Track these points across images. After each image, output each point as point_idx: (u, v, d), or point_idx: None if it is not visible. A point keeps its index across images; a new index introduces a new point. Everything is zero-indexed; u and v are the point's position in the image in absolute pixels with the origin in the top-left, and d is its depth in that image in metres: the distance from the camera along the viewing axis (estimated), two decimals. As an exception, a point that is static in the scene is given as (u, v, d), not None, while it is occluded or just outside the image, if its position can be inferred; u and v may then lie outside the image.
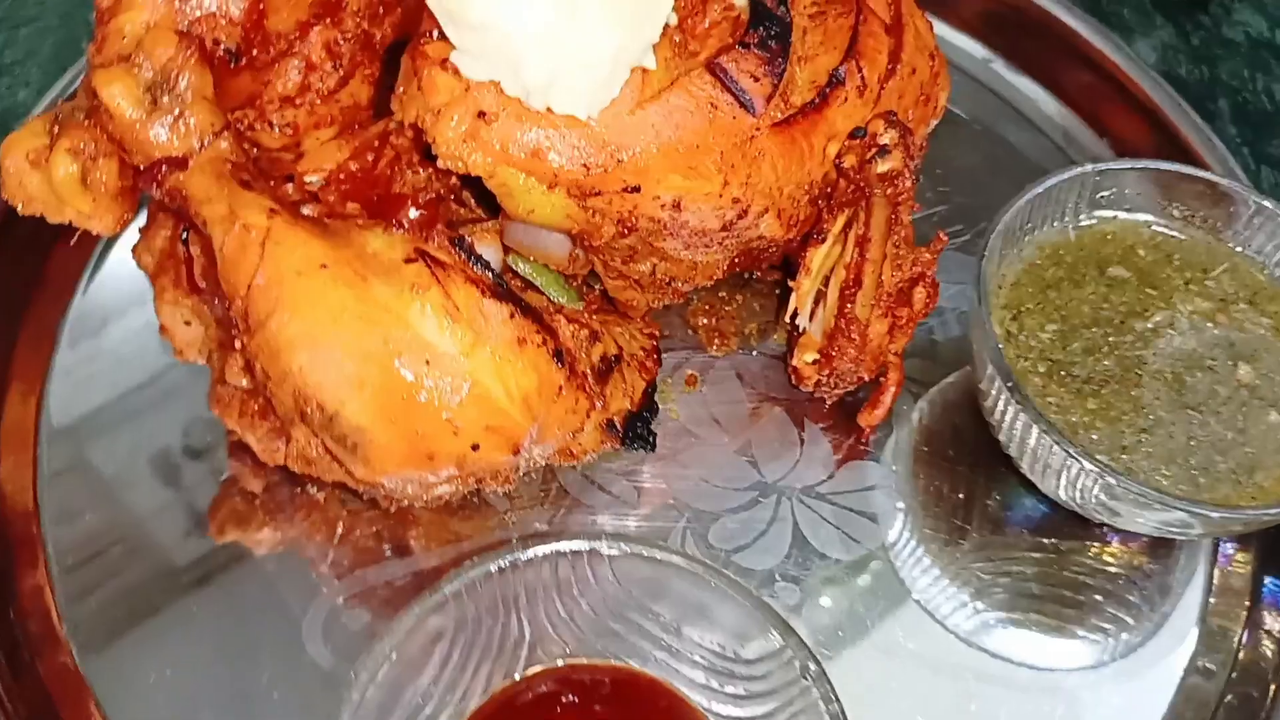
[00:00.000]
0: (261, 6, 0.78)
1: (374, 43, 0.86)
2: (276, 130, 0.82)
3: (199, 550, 0.86)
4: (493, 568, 0.68)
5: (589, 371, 0.74)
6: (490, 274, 0.69)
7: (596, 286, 0.87)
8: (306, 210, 0.78)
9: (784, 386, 0.93)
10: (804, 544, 0.87)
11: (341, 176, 0.84)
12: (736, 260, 0.90)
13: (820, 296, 0.87)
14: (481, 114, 0.70)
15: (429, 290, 0.66)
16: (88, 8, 1.15)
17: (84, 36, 1.15)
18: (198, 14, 0.75)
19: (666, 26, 0.75)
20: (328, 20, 0.83)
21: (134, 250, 0.80)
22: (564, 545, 0.69)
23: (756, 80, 0.76)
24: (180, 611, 0.83)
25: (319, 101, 0.84)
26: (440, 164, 0.71)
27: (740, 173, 0.76)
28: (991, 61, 1.11)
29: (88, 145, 0.68)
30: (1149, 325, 0.84)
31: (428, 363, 0.65)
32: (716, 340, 0.95)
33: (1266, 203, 0.85)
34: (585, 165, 0.71)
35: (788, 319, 0.87)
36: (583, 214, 0.74)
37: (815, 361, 0.87)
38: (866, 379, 0.89)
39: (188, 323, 0.79)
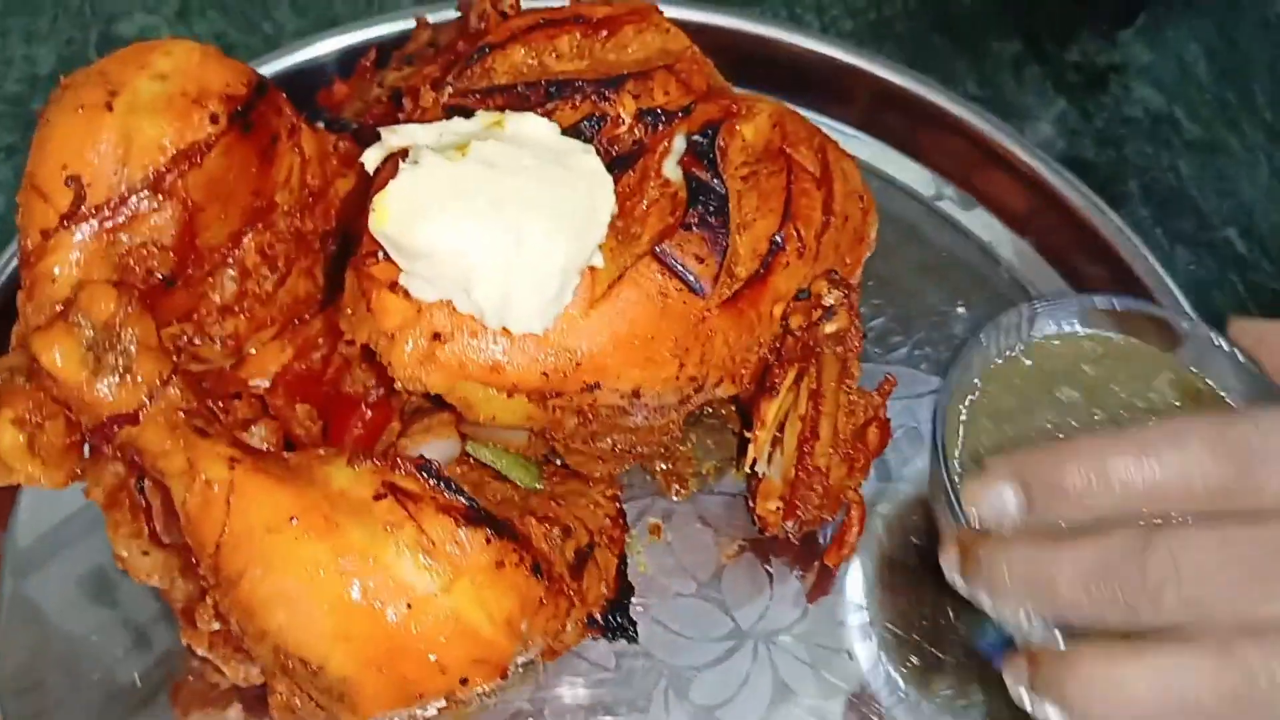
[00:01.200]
0: (192, 228, 0.76)
1: (307, 236, 0.85)
2: (217, 342, 0.81)
3: (140, 667, 0.85)
4: None
5: (565, 571, 0.74)
6: (461, 497, 0.68)
7: (555, 459, 0.87)
8: (258, 430, 0.77)
9: (746, 526, 0.94)
10: (785, 690, 0.88)
11: (289, 379, 0.83)
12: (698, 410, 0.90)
13: (776, 442, 0.88)
14: (436, 335, 0.69)
15: (403, 528, 0.65)
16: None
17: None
18: (127, 246, 0.74)
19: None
20: (259, 225, 0.81)
21: (86, 488, 0.77)
22: None
23: (701, 261, 0.77)
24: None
25: (258, 306, 0.82)
26: (398, 386, 0.71)
27: (695, 354, 0.76)
28: (940, 199, 1.14)
29: (31, 412, 0.66)
30: None
31: (409, 606, 0.65)
32: (676, 485, 0.96)
33: (1200, 329, 0.85)
34: (544, 373, 0.71)
35: (747, 468, 0.88)
36: (543, 414, 0.74)
37: (778, 509, 0.88)
38: (830, 519, 0.90)
39: (145, 553, 0.77)
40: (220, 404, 0.77)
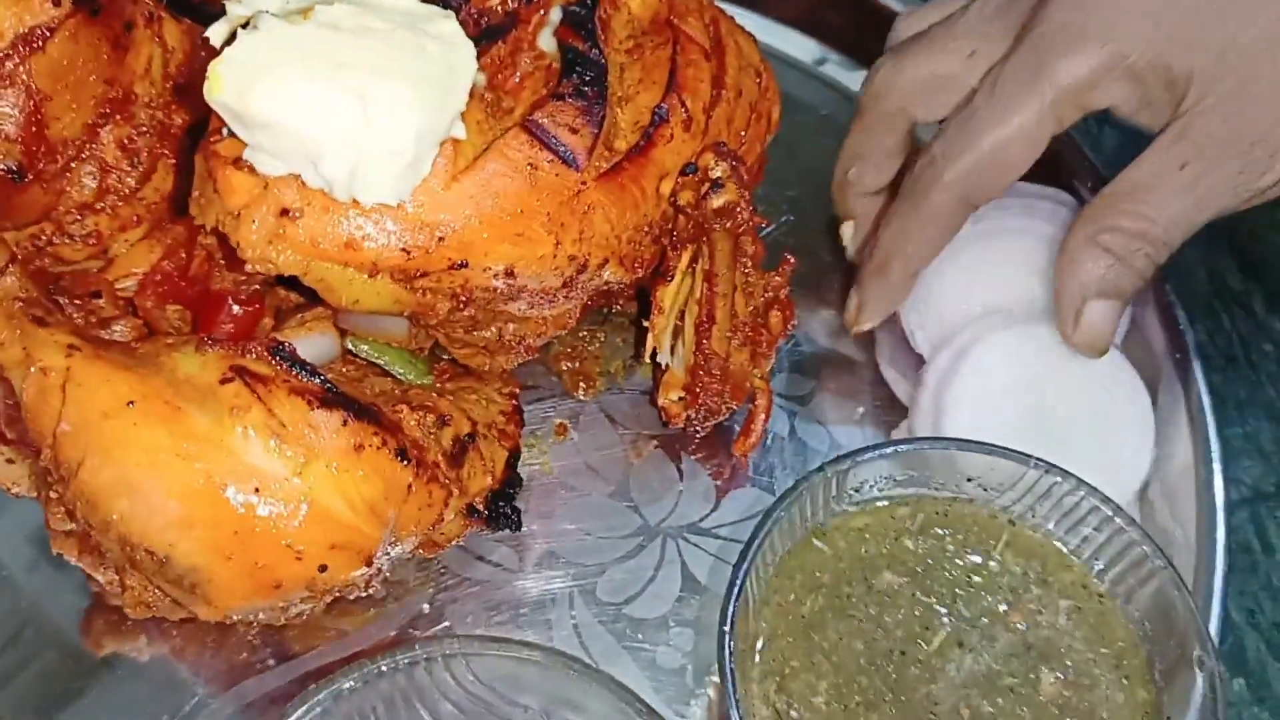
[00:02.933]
0: (40, 117, 0.72)
1: (173, 130, 0.81)
2: (78, 241, 0.77)
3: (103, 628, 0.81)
4: (344, 686, 0.65)
5: (441, 460, 0.71)
6: (317, 379, 0.65)
7: (445, 355, 0.84)
8: (118, 328, 0.74)
9: (656, 423, 0.91)
10: (694, 583, 0.85)
11: (157, 279, 0.79)
12: (597, 302, 0.87)
13: (678, 331, 0.85)
14: (285, 211, 0.66)
15: (249, 411, 0.62)
16: None
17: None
18: (-33, 138, 0.70)
19: (474, 87, 0.72)
20: (117, 117, 0.77)
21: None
22: (416, 653, 0.66)
23: (575, 132, 0.73)
24: (104, 690, 0.79)
25: (121, 203, 0.79)
26: (248, 268, 0.67)
27: (572, 230, 0.73)
28: (823, 63, 1.10)
29: None
30: (933, 648, 0.72)
31: (257, 490, 0.62)
32: (582, 383, 0.93)
33: (1034, 465, 0.75)
34: (404, 249, 0.68)
35: (647, 358, 0.85)
36: (412, 296, 0.71)
37: (681, 399, 0.85)
38: (735, 408, 0.87)
39: (10, 460, 0.74)
40: (79, 302, 0.74)
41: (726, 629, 0.68)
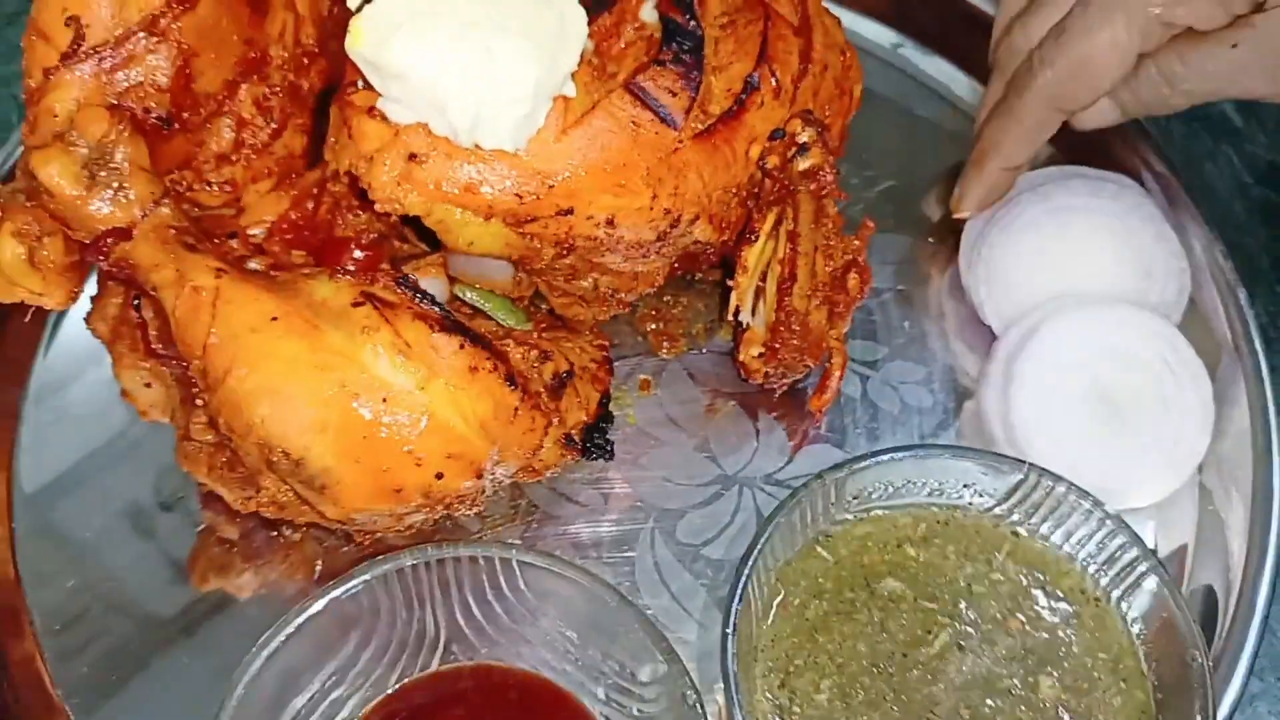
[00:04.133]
0: (188, 72, 0.80)
1: (302, 93, 0.88)
2: (215, 188, 0.84)
3: (181, 601, 0.88)
4: (407, 563, 0.72)
5: (543, 390, 0.77)
6: (437, 308, 0.71)
7: (543, 306, 0.90)
8: (253, 264, 0.81)
9: (735, 381, 0.96)
10: (768, 529, 0.90)
11: (284, 226, 0.86)
12: (676, 265, 0.93)
13: (760, 292, 0.90)
14: (413, 156, 0.72)
15: (379, 331, 0.69)
16: (13, 84, 1.17)
17: (13, 112, 1.16)
18: (125, 85, 0.77)
19: (583, 52, 0.78)
20: (254, 77, 0.84)
21: (87, 320, 0.82)
22: (478, 550, 0.73)
23: (674, 95, 0.79)
24: (170, 664, 0.85)
25: (254, 156, 0.85)
26: (378, 208, 0.74)
27: (668, 185, 0.79)
28: (901, 46, 1.14)
29: (31, 226, 0.70)
30: (934, 650, 0.75)
31: (385, 400, 0.68)
32: (665, 343, 0.98)
33: (1031, 472, 0.78)
34: (518, 194, 0.74)
35: (730, 316, 0.90)
36: (521, 240, 0.77)
37: (761, 355, 0.90)
38: (812, 366, 0.92)
39: (148, 385, 0.81)
40: (216, 242, 0.80)
41: (729, 631, 0.72)
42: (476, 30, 0.70)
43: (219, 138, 0.84)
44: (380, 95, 0.72)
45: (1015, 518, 0.80)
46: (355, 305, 0.70)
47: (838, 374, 0.92)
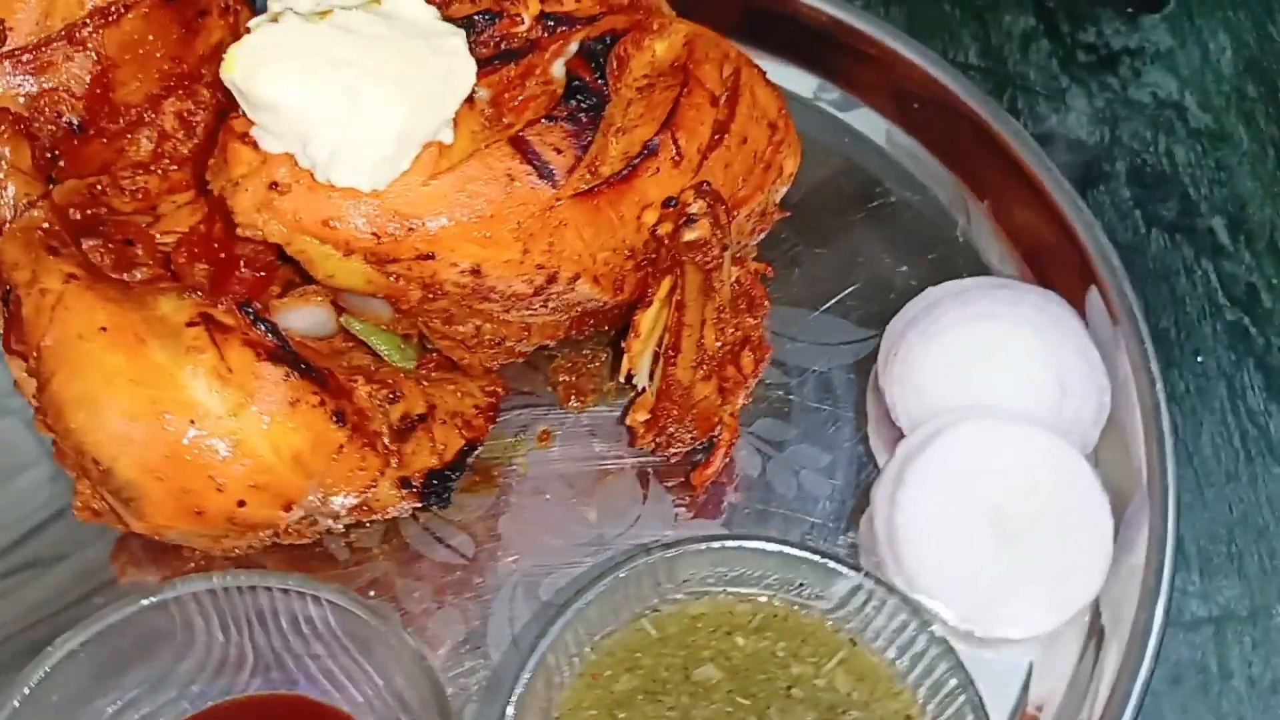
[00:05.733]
0: (106, 81, 0.83)
1: (230, 111, 0.90)
2: (128, 196, 0.87)
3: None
4: (220, 585, 0.72)
5: (385, 430, 0.77)
6: (272, 337, 0.72)
7: (430, 348, 0.90)
8: (140, 272, 0.83)
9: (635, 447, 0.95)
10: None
11: (193, 239, 0.88)
12: (590, 320, 0.92)
13: (659, 357, 0.89)
14: (274, 184, 0.73)
15: (204, 353, 0.70)
16: None
17: None
18: (38, 89, 0.80)
19: (476, 100, 0.78)
20: (180, 92, 0.87)
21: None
22: (291, 584, 0.73)
23: (559, 152, 0.79)
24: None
25: (173, 168, 0.88)
26: (240, 232, 0.75)
27: (541, 241, 0.78)
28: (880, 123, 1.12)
29: (-90, 217, 0.73)
30: None
31: (193, 422, 0.69)
32: (574, 397, 0.97)
33: (867, 581, 0.76)
34: (375, 234, 0.75)
35: (621, 379, 0.89)
36: (384, 279, 0.78)
37: (645, 421, 0.89)
38: (699, 440, 0.90)
39: (29, 374, 0.83)
40: (113, 245, 0.83)
41: (513, 700, 0.70)
42: (346, 70, 0.71)
43: (138, 147, 0.87)
44: (253, 123, 0.74)
45: (853, 625, 0.77)
46: (190, 325, 0.71)
47: (722, 450, 0.90)
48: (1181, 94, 1.18)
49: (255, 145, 0.74)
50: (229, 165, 0.75)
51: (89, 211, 0.86)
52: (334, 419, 0.73)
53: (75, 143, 0.84)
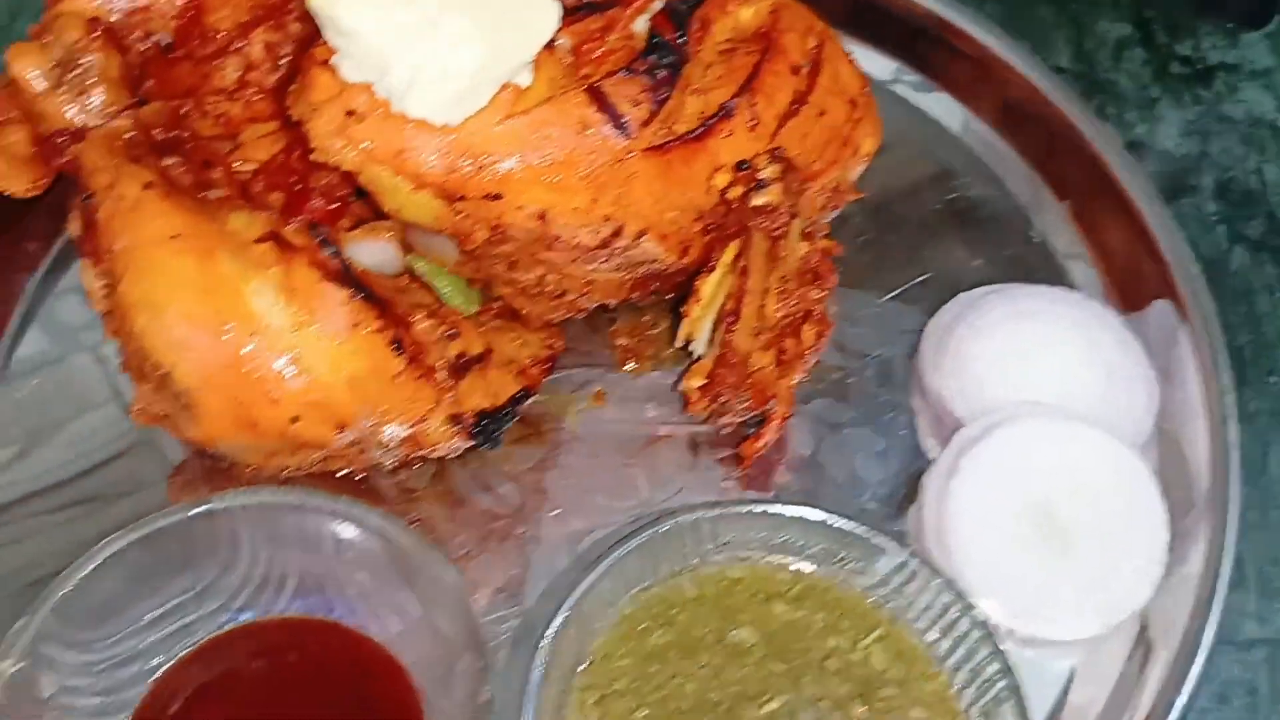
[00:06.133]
0: (198, 4, 0.84)
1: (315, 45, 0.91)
2: (211, 120, 0.88)
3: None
4: (268, 500, 0.74)
5: (441, 367, 0.77)
6: (340, 261, 0.73)
7: (495, 299, 0.90)
8: (216, 192, 0.84)
9: (688, 415, 0.94)
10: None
11: (271, 169, 0.89)
12: (653, 283, 0.92)
13: (718, 325, 0.89)
14: (351, 112, 0.74)
15: (270, 269, 0.71)
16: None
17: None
18: (129, 5, 0.82)
19: (557, 48, 0.78)
20: (270, 23, 0.88)
21: (69, 220, 0.86)
22: (341, 506, 0.74)
23: (635, 105, 0.78)
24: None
25: (256, 97, 0.89)
26: (314, 157, 0.76)
27: (610, 191, 0.78)
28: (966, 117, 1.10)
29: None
30: (761, 713, 0.71)
31: (254, 334, 0.70)
32: (630, 359, 0.97)
33: (912, 560, 0.75)
34: (446, 169, 0.75)
35: (679, 344, 0.89)
36: (451, 216, 0.78)
37: (701, 387, 0.88)
38: (753, 410, 0.89)
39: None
40: (190, 165, 0.84)
41: (545, 642, 0.70)
42: (428, 2, 0.72)
43: (224, 74, 0.88)
44: (335, 50, 0.75)
45: (895, 603, 0.76)
46: (259, 241, 0.72)
47: (775, 423, 0.89)
48: (1276, 113, 1.15)
49: (335, 72, 0.75)
50: (309, 91, 0.76)
51: (172, 133, 0.87)
52: (392, 346, 0.73)
53: (163, 63, 0.85)
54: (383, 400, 0.74)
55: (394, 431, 0.77)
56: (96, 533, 0.76)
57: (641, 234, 0.81)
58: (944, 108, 1.10)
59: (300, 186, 0.87)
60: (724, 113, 0.81)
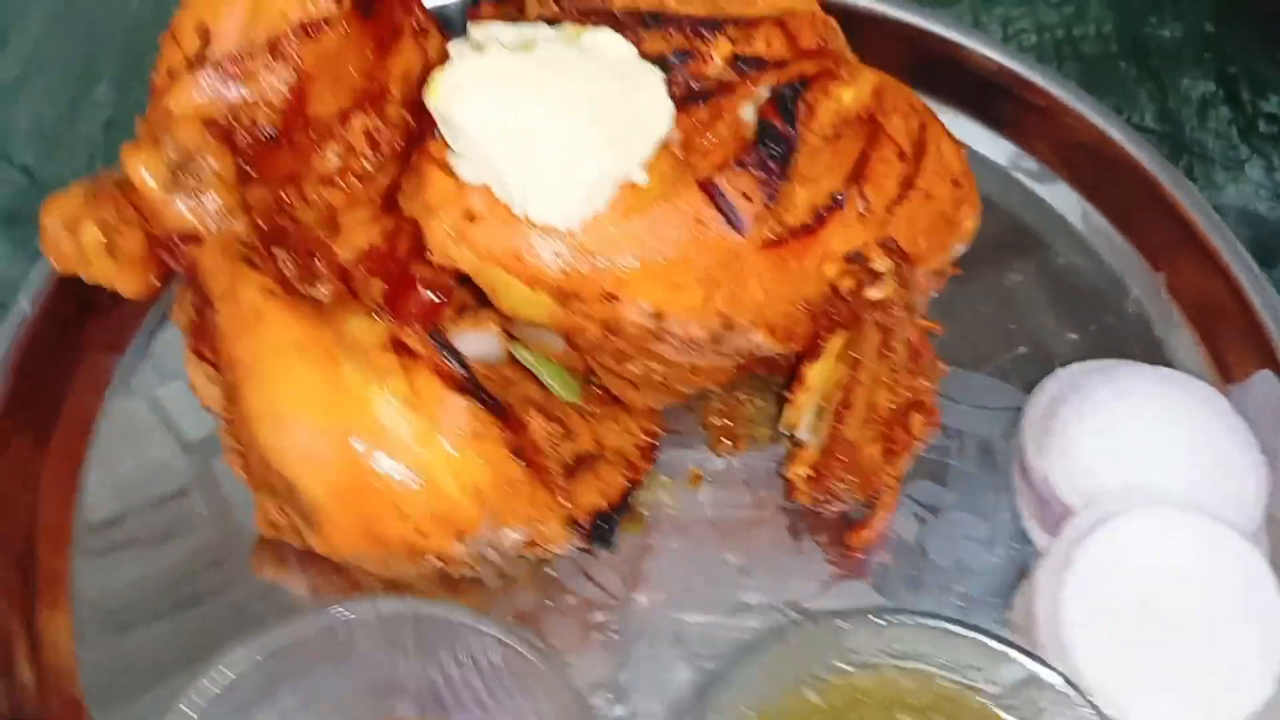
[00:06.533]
0: (303, 95, 0.83)
1: (414, 131, 0.91)
2: (312, 208, 0.87)
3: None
4: (388, 609, 0.72)
5: (557, 468, 0.76)
6: (460, 368, 0.72)
7: (596, 384, 0.89)
8: (322, 287, 0.83)
9: (786, 497, 0.93)
10: (783, 659, 0.86)
11: (370, 256, 0.89)
12: (753, 367, 0.91)
13: (823, 412, 0.88)
14: (470, 215, 0.73)
15: (394, 377, 0.70)
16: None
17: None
18: (239, 99, 0.81)
19: (668, 142, 0.77)
20: (369, 109, 0.88)
21: (173, 310, 0.86)
22: (459, 615, 0.73)
23: (749, 199, 0.77)
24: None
25: (357, 183, 0.89)
26: (431, 258, 0.75)
27: (725, 289, 0.77)
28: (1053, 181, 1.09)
29: (114, 215, 0.74)
30: None
31: (382, 447, 0.69)
32: (725, 440, 0.96)
33: (1042, 670, 0.73)
34: (564, 271, 0.74)
35: (784, 430, 0.88)
36: (566, 315, 0.77)
37: (809, 477, 0.87)
38: (860, 499, 0.88)
39: (211, 380, 0.84)
40: (296, 257, 0.83)
41: None
42: (548, 105, 0.71)
43: (325, 161, 0.88)
44: (452, 150, 0.74)
45: (1024, 715, 0.74)
46: (381, 348, 0.71)
47: (885, 514, 0.88)
48: (1370, 172, 1.14)
49: (452, 172, 0.74)
50: (425, 191, 0.75)
51: (274, 221, 0.87)
52: (514, 454, 0.72)
53: (266, 152, 0.85)
54: (504, 508, 0.73)
55: (512, 537, 0.76)
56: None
57: (752, 327, 0.80)
58: (1037, 177, 1.08)
59: (404, 275, 0.87)
60: (835, 203, 0.80)
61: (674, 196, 0.76)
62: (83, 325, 0.97)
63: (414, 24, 0.88)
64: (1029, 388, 0.97)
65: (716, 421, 0.97)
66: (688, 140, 0.79)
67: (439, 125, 0.73)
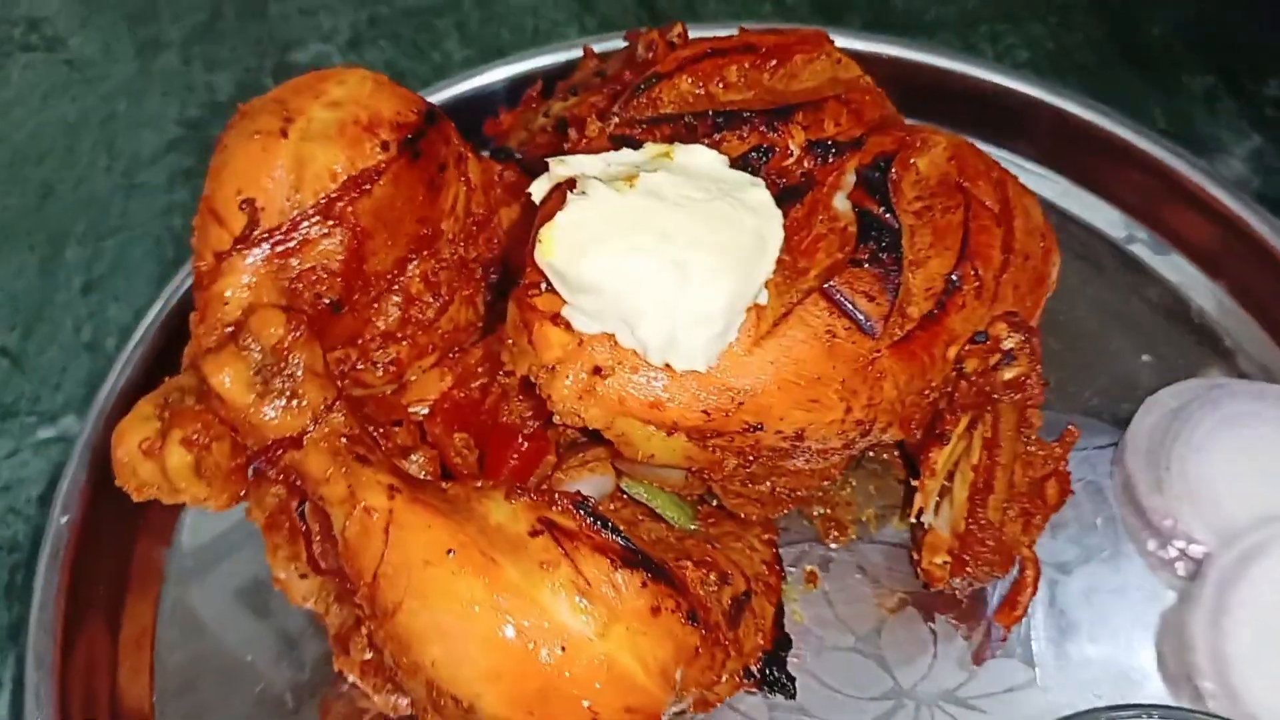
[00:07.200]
0: (360, 254, 0.76)
1: (469, 264, 0.84)
2: (380, 368, 0.80)
3: (293, 680, 0.85)
4: None
5: (721, 619, 0.71)
6: (618, 537, 0.66)
7: (712, 500, 0.84)
8: (416, 457, 0.76)
9: (908, 578, 0.89)
10: (953, 757, 0.83)
11: (446, 406, 0.82)
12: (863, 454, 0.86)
13: (945, 492, 0.84)
14: (597, 369, 0.68)
15: (559, 567, 0.64)
16: (171, 214, 1.16)
17: (168, 243, 1.15)
18: (298, 270, 0.74)
19: (775, 250, 0.73)
20: (424, 252, 0.81)
21: (247, 509, 0.78)
22: None
23: (872, 300, 0.73)
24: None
25: (420, 332, 0.82)
26: (557, 419, 0.69)
27: (862, 397, 0.73)
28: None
29: (200, 433, 0.66)
30: None
31: (563, 649, 0.63)
32: (834, 532, 0.92)
33: None
34: (705, 411, 0.69)
35: (914, 517, 0.84)
36: (704, 454, 0.72)
37: (946, 564, 0.83)
38: (1001, 576, 0.84)
39: (303, 576, 0.77)
40: (380, 430, 0.77)
41: None
42: (671, 244, 0.66)
43: (386, 316, 0.81)
44: (565, 303, 0.68)
45: None
46: (533, 534, 0.65)
47: (1029, 590, 0.84)
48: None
49: (568, 326, 0.68)
50: (539, 349, 0.68)
51: (348, 393, 0.80)
52: (689, 620, 0.67)
53: (330, 322, 0.77)
54: (686, 678, 0.67)
55: (686, 700, 0.70)
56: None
57: (887, 427, 0.76)
58: (1096, 213, 1.06)
59: (492, 428, 0.80)
60: (952, 285, 0.76)
61: (801, 312, 0.71)
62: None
63: (455, 154, 0.82)
64: (1119, 421, 0.95)
65: (819, 510, 0.92)
66: (790, 242, 0.75)
67: (554, 281, 0.67)
